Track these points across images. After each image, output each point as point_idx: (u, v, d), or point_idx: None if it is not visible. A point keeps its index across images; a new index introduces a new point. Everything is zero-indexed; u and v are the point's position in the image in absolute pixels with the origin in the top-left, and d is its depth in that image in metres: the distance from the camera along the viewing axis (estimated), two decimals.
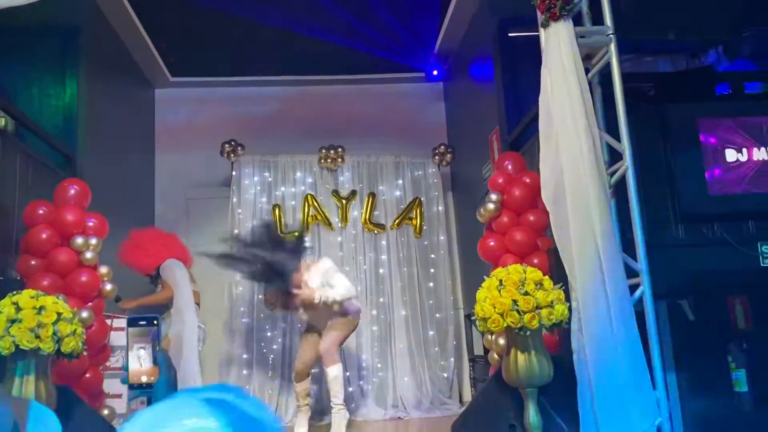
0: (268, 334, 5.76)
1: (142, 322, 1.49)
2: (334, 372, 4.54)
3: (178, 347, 4.86)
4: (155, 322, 1.49)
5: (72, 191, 3.72)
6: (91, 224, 3.72)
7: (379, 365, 5.77)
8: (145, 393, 1.46)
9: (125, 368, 1.47)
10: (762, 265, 3.11)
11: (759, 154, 3.23)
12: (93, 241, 3.63)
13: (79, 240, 3.57)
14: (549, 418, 2.77)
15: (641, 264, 2.76)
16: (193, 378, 4.84)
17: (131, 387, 1.47)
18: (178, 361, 4.85)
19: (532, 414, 2.71)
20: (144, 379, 1.46)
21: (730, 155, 3.22)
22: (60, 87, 4.62)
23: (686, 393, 3.15)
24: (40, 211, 3.57)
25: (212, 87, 6.65)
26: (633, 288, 2.72)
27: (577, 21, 2.93)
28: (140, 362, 1.45)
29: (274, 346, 5.71)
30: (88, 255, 3.59)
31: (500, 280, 2.73)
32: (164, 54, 6.16)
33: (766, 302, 3.30)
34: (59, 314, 2.66)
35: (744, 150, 3.23)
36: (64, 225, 3.58)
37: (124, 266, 5.10)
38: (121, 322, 4.17)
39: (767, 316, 3.28)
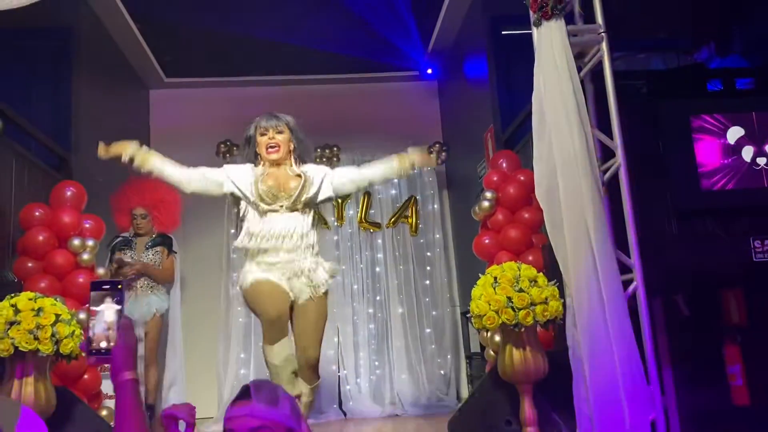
0: None
1: (105, 286, 1.40)
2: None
3: (165, 329, 4.79)
4: (119, 286, 1.40)
5: (68, 193, 3.74)
6: (87, 226, 3.74)
7: (376, 363, 5.80)
8: (104, 359, 1.38)
9: (90, 335, 1.39)
10: (754, 259, 3.13)
11: (750, 149, 3.25)
12: (90, 242, 3.65)
13: (76, 242, 3.59)
14: (545, 414, 2.79)
15: (634, 260, 2.78)
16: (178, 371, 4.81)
17: (90, 353, 1.38)
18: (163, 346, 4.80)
19: (527, 409, 2.74)
20: (103, 345, 1.37)
21: (722, 151, 3.24)
22: (54, 89, 4.62)
23: (682, 388, 3.17)
24: (36, 213, 3.59)
25: (207, 87, 6.65)
26: (626, 284, 2.74)
27: (569, 19, 2.95)
28: (106, 327, 1.37)
29: None
30: (85, 256, 3.61)
31: (495, 278, 2.75)
32: (158, 55, 6.15)
33: (759, 296, 3.32)
34: (57, 316, 2.67)
35: (736, 146, 3.26)
36: (60, 227, 3.60)
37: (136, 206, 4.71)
38: None
39: (761, 309, 3.30)
